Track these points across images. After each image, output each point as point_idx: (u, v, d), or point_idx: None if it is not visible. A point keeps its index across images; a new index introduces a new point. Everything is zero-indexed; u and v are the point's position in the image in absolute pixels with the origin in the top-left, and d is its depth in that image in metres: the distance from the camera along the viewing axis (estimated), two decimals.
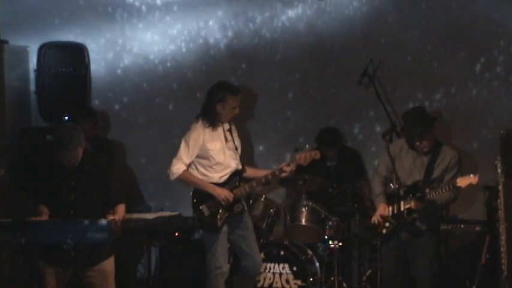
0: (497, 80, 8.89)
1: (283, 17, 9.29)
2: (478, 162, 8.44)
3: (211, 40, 9.40)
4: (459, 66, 8.96)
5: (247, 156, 8.21)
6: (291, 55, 9.29)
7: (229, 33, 9.37)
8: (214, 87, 7.45)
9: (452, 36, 8.94)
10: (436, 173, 7.25)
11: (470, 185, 7.01)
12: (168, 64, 9.43)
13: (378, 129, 9.05)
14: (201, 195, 7.40)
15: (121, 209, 6.55)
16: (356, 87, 8.81)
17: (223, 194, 7.32)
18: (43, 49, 8.81)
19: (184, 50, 9.42)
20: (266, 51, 9.34)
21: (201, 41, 9.41)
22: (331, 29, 9.19)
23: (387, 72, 8.79)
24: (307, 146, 7.54)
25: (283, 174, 7.47)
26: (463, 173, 7.22)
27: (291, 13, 9.28)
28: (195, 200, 7.45)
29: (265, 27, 9.31)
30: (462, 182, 6.99)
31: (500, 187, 6.63)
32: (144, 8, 9.46)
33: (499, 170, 6.59)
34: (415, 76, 9.04)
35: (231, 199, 7.33)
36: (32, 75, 9.01)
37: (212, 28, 9.40)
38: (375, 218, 7.30)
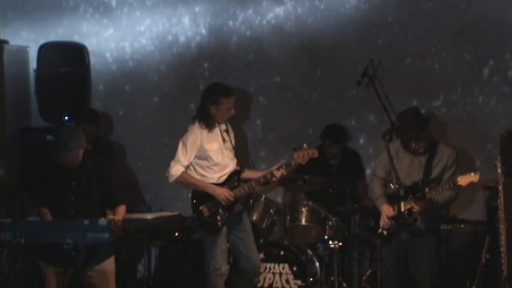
0: (508, 85, 8.35)
1: (270, 15, 8.75)
2: (478, 164, 8.28)
3: (182, 38, 8.92)
4: (464, 69, 8.44)
5: None
6: (272, 56, 8.77)
7: (203, 31, 8.86)
8: (207, 89, 7.41)
9: (458, 37, 8.42)
10: (435, 172, 7.23)
11: (471, 183, 6.99)
12: (130, 63, 9.03)
13: (361, 141, 8.75)
14: (200, 196, 7.38)
15: (122, 209, 6.58)
16: (340, 94, 8.55)
17: (223, 193, 7.30)
18: (43, 49, 8.80)
19: (148, 48, 8.97)
20: (244, 51, 8.81)
21: (170, 38, 8.93)
22: (322, 29, 8.69)
23: (383, 75, 8.35)
24: (304, 145, 7.46)
25: (274, 179, 7.42)
26: (461, 171, 7.16)
27: (279, 10, 8.75)
28: (194, 201, 7.42)
29: (247, 25, 8.79)
30: (463, 180, 6.97)
31: (500, 187, 6.61)
32: (114, 2, 9.05)
33: (499, 170, 6.57)
34: (412, 80, 8.55)
35: (231, 198, 7.31)
36: (32, 75, 8.99)
37: (185, 25, 8.89)
38: (383, 223, 7.25)
